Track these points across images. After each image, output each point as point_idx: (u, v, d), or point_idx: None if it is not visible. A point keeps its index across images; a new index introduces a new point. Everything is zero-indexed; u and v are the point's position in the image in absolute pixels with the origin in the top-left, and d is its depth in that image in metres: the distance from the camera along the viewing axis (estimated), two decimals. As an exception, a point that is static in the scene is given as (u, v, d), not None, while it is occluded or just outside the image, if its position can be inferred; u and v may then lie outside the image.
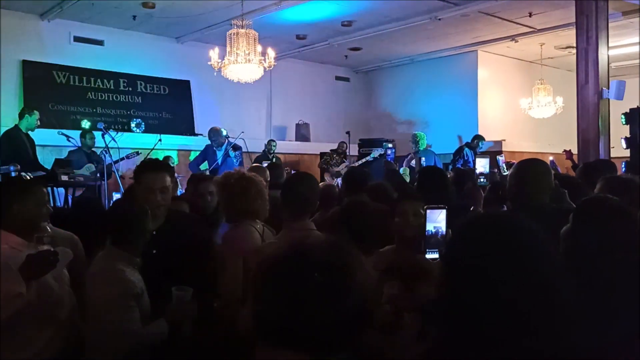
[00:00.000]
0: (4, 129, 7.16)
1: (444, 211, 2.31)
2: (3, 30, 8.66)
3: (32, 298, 2.34)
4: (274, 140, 10.03)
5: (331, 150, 10.08)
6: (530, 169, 3.09)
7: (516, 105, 11.58)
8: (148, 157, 7.20)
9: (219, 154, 8.10)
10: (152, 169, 2.97)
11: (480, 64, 11.77)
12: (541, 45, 11.06)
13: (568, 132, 8.02)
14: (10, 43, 8.78)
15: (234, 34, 7.68)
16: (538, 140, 11.85)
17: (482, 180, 3.80)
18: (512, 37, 10.46)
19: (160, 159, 8.55)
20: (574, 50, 7.55)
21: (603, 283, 1.79)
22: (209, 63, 7.77)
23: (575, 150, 7.54)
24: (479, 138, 9.72)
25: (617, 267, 1.82)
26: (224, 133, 8.23)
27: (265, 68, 7.82)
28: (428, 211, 2.34)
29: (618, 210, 2.05)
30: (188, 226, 3.03)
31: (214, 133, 8.23)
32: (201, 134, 10.55)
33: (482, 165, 3.86)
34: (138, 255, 2.59)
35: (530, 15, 9.12)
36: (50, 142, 8.01)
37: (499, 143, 11.21)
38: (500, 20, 9.51)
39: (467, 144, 9.70)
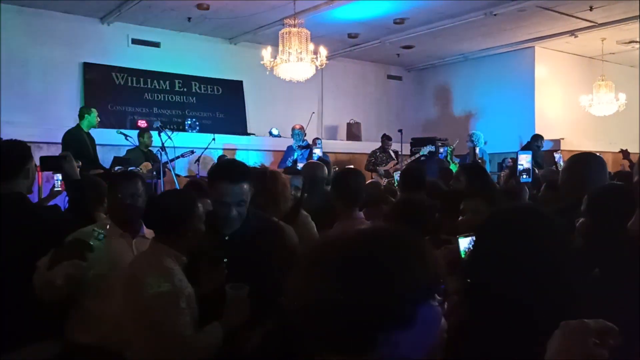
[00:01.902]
0: (66, 129, 7.44)
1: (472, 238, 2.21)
2: (65, 33, 9.09)
3: (60, 284, 2.40)
4: (319, 139, 10.03)
5: (377, 148, 9.76)
6: (584, 163, 2.94)
7: (576, 102, 11.18)
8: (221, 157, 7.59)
9: (297, 153, 8.39)
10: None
11: (537, 61, 11.41)
12: (602, 40, 10.61)
13: (631, 130, 7.67)
14: (72, 46, 9.17)
15: (286, 33, 7.73)
16: (600, 139, 11.40)
17: (524, 177, 3.37)
18: (572, 32, 10.10)
19: (215, 158, 8.74)
20: (638, 45, 7.21)
21: (618, 272, 1.71)
22: (261, 63, 7.84)
23: (634, 149, 7.21)
24: (538, 138, 9.28)
25: (632, 256, 1.72)
26: (298, 131, 8.47)
27: (317, 67, 7.83)
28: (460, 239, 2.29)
29: (629, 197, 1.96)
30: (262, 230, 2.59)
31: (291, 131, 8.63)
32: (253, 134, 10.67)
33: (526, 160, 3.36)
34: (185, 253, 2.34)
35: (591, 9, 8.77)
36: (109, 142, 8.26)
37: (557, 142, 10.85)
38: (559, 15, 9.18)
39: (528, 145, 9.12)
